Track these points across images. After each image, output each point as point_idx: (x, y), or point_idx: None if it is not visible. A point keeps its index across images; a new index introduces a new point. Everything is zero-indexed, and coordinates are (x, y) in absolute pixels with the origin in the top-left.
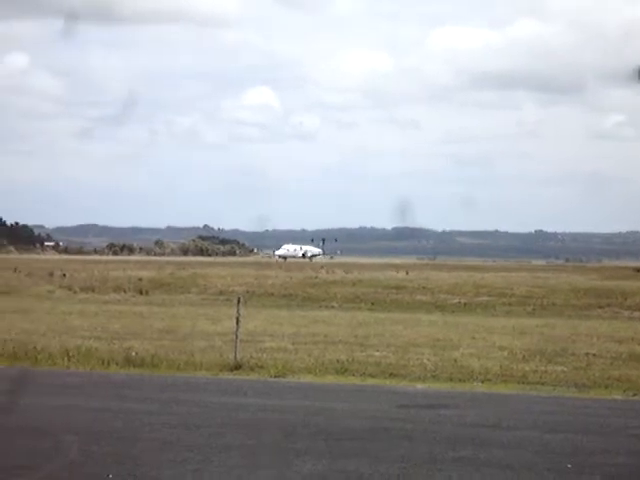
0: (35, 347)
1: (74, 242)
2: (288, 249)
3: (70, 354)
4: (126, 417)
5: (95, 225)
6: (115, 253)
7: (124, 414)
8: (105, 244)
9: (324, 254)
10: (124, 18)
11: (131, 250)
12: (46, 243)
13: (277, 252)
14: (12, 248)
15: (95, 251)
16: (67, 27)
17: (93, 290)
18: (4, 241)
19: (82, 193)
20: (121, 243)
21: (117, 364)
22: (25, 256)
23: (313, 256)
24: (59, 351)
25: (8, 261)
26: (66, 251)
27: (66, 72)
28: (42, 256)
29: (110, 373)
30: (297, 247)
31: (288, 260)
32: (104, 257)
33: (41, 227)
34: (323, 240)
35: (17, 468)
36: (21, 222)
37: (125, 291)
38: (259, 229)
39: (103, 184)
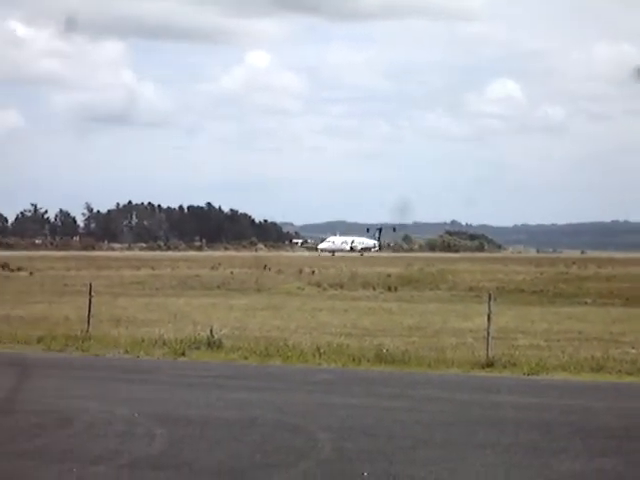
0: (286, 344)
1: (322, 239)
2: (334, 241)
3: (321, 351)
4: (379, 414)
5: (343, 222)
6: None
7: (377, 411)
8: None
9: (380, 247)
10: (366, 13)
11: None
12: (295, 240)
13: (321, 245)
14: (262, 245)
15: None
16: (309, 23)
17: (342, 287)
18: (254, 239)
19: (328, 190)
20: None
21: (368, 361)
22: (274, 253)
23: (363, 249)
24: (310, 348)
25: (258, 258)
26: (314, 248)
27: (309, 69)
28: (291, 253)
29: (361, 370)
30: (345, 239)
31: (336, 254)
32: (350, 254)
33: (290, 224)
34: (379, 230)
35: (272, 465)
36: (270, 220)
37: (374, 288)
38: (508, 224)
39: (348, 180)
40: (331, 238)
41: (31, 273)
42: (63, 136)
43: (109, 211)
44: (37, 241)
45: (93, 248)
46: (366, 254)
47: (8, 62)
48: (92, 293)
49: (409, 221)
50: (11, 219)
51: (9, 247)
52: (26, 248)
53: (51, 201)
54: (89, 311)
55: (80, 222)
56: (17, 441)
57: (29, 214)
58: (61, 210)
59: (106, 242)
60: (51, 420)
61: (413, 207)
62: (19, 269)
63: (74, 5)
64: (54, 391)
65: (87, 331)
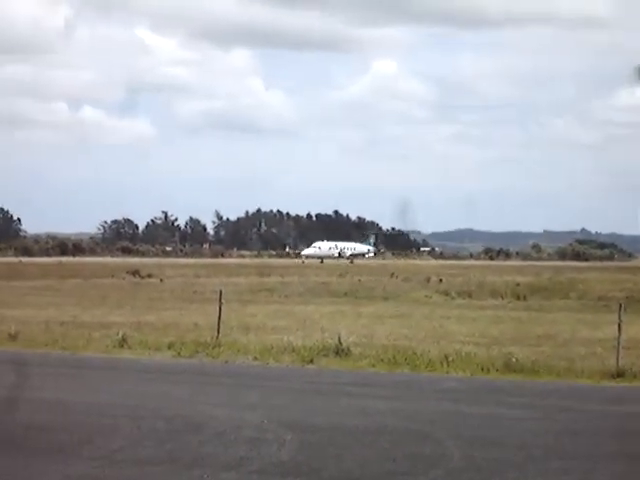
0: (414, 352)
1: (449, 247)
2: (320, 247)
3: (449, 359)
4: (508, 423)
5: (470, 230)
6: (491, 258)
7: (506, 420)
8: (481, 249)
9: (377, 252)
10: (493, 21)
11: (507, 255)
12: (422, 248)
13: (305, 251)
14: (389, 254)
15: (471, 256)
16: (435, 32)
17: (470, 295)
18: (381, 247)
19: (456, 198)
20: (497, 248)
21: (497, 370)
22: (402, 261)
23: (353, 255)
24: (438, 356)
25: (386, 266)
26: (442, 256)
27: (436, 77)
28: (418, 261)
29: (490, 379)
30: (332, 245)
31: (325, 261)
32: (479, 262)
33: (417, 233)
34: (376, 236)
35: (401, 473)
36: (397, 228)
37: (502, 296)
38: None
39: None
40: (317, 243)
41: (161, 280)
42: (191, 144)
43: (238, 219)
44: (167, 248)
45: (222, 255)
46: (359, 260)
47: (137, 70)
48: (222, 300)
49: (539, 229)
50: (142, 226)
51: (140, 254)
52: (156, 255)
53: (181, 209)
54: (219, 318)
55: (210, 230)
56: (147, 446)
57: (159, 222)
58: (191, 218)
59: (235, 249)
60: (181, 426)
61: (543, 215)
62: (149, 276)
63: (202, 15)
64: (184, 397)
65: (217, 338)
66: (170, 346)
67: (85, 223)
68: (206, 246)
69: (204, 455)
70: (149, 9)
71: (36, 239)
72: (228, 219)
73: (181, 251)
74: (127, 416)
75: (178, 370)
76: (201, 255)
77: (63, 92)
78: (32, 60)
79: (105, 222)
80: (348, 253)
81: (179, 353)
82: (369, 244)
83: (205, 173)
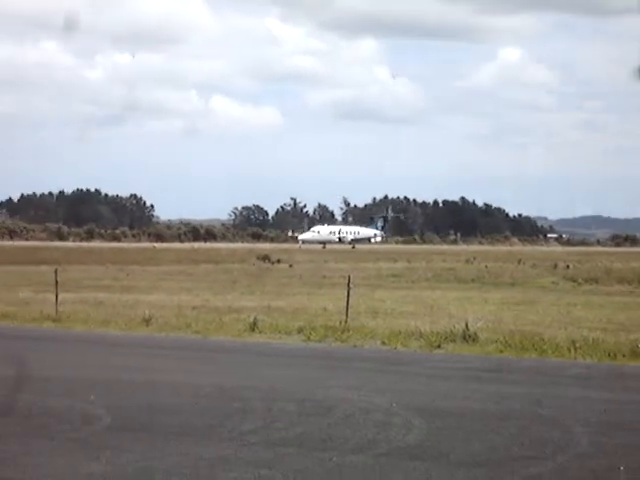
0: (542, 338)
1: (577, 234)
2: (319, 231)
3: (577, 345)
4: (637, 409)
5: (599, 216)
6: (618, 244)
7: (635, 406)
8: (608, 235)
9: (385, 236)
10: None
11: (635, 241)
12: (549, 235)
13: (302, 236)
14: (515, 239)
15: (598, 242)
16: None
17: (597, 282)
18: (507, 232)
19: (583, 184)
20: (624, 234)
21: (624, 356)
22: (528, 248)
23: (355, 240)
24: (565, 342)
25: (512, 253)
26: (569, 242)
27: (561, 64)
28: (545, 248)
29: (617, 365)
30: (332, 229)
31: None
32: (606, 249)
33: (544, 219)
34: (384, 219)
35: (528, 458)
36: (524, 214)
37: (629, 283)
38: None
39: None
40: (316, 227)
41: (290, 265)
42: (319, 132)
43: (366, 205)
44: (296, 234)
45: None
46: (361, 245)
47: (265, 60)
48: (350, 285)
49: None
50: (272, 213)
51: (270, 240)
52: (285, 241)
53: (310, 195)
54: (347, 302)
55: (338, 216)
56: (278, 429)
57: (289, 208)
58: (319, 204)
59: None
60: (311, 409)
61: None
62: (279, 261)
63: (329, 5)
64: (314, 380)
65: (345, 322)
66: (300, 330)
67: (217, 210)
68: None
69: (333, 437)
70: (278, 0)
71: (168, 225)
72: (355, 205)
73: None
74: (258, 399)
75: (308, 354)
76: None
77: (195, 81)
78: (165, 50)
79: (236, 209)
80: (349, 238)
81: (309, 337)
82: (376, 227)
83: (332, 160)
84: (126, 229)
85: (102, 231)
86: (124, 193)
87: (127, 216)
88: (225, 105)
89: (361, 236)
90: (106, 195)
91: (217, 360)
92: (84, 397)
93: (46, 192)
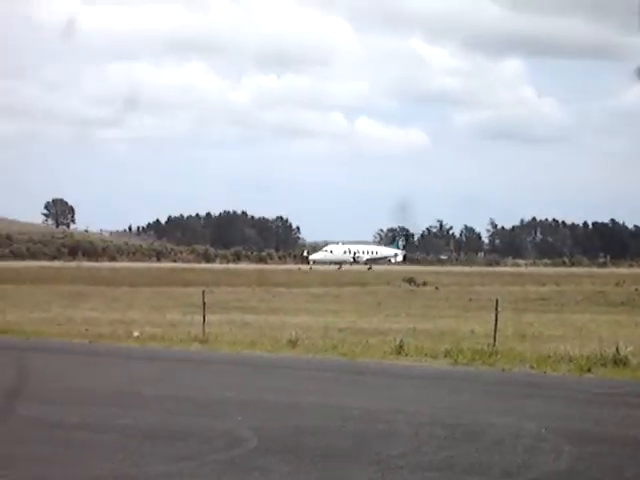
0: None
1: None
2: (332, 250)
3: None
4: None
5: None
6: None
7: None
8: None
9: (404, 257)
10: None
11: None
12: None
13: (313, 256)
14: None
15: None
16: None
17: None
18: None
19: None
20: None
21: None
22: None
23: (371, 260)
24: None
25: None
26: None
27: None
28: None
29: None
30: (347, 248)
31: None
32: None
33: None
34: (405, 237)
35: None
36: None
37: None
38: None
39: None
40: (329, 247)
41: (436, 288)
42: (464, 152)
43: (513, 227)
44: (442, 256)
45: (497, 264)
46: (380, 266)
47: (410, 80)
48: (497, 308)
49: None
50: (417, 235)
51: (416, 262)
52: (431, 263)
53: (457, 217)
54: (495, 326)
55: (485, 238)
56: (424, 452)
57: (434, 230)
58: (466, 226)
59: (510, 258)
60: (459, 433)
61: None
62: (424, 284)
63: (473, 25)
64: (461, 404)
65: (493, 345)
66: (446, 353)
67: (362, 231)
68: (481, 254)
69: (482, 462)
70: (422, 20)
71: (314, 247)
72: (503, 227)
73: (456, 259)
74: (405, 422)
75: (455, 377)
76: (476, 263)
77: (339, 103)
78: (309, 71)
79: (381, 230)
80: (364, 258)
81: (456, 360)
82: (397, 247)
83: (479, 181)
84: (272, 251)
85: (248, 253)
86: (270, 215)
87: (273, 238)
88: (369, 126)
89: (379, 256)
90: (252, 217)
91: (363, 382)
92: (230, 418)
93: (193, 214)
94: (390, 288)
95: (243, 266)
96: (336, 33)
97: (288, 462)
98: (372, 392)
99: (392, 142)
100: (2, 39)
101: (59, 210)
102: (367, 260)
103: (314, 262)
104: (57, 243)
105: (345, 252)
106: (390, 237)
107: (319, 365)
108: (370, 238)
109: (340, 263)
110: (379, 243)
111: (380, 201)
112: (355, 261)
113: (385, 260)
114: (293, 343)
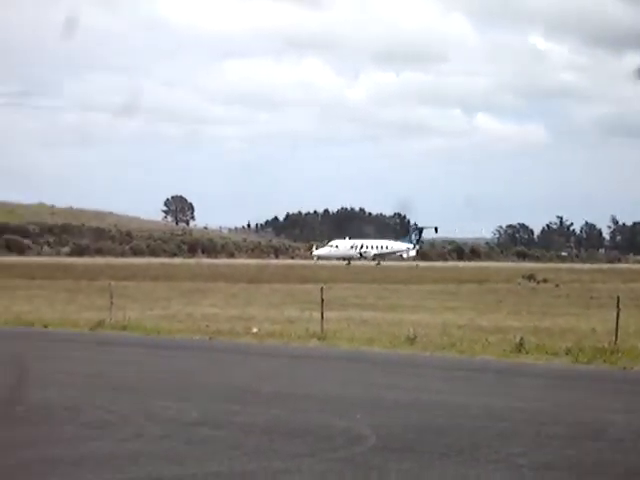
0: None
1: None
2: (337, 245)
3: None
4: None
5: None
6: None
7: None
8: None
9: (418, 250)
10: None
11: None
12: None
13: (318, 251)
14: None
15: None
16: None
17: None
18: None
19: None
20: None
21: None
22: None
23: (379, 255)
24: None
25: None
26: None
27: None
28: None
29: None
30: (354, 243)
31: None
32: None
33: None
34: (419, 230)
35: None
36: None
37: None
38: None
39: None
40: (334, 242)
41: (557, 285)
42: (585, 149)
43: (634, 224)
44: (562, 253)
45: (619, 261)
46: (390, 263)
47: (530, 76)
48: (619, 306)
49: None
50: (537, 231)
51: (535, 259)
52: (551, 260)
53: (577, 214)
54: (617, 323)
55: (606, 235)
56: (545, 452)
57: (555, 227)
58: (587, 222)
59: (631, 255)
60: (580, 432)
61: None
62: (545, 281)
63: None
64: (582, 403)
65: (615, 343)
66: (567, 351)
67: (481, 228)
68: (602, 251)
69: (604, 462)
70: (541, 16)
71: (432, 243)
72: (624, 224)
73: (577, 256)
74: (526, 420)
75: (576, 376)
76: (596, 260)
77: (458, 99)
78: (428, 68)
79: (500, 227)
80: (372, 253)
81: (576, 359)
82: (410, 241)
83: (600, 177)
84: None
85: None
86: (388, 212)
87: (391, 234)
88: (488, 122)
89: (388, 251)
90: (370, 214)
91: (483, 380)
92: (349, 415)
93: (311, 211)
94: (509, 285)
95: (359, 263)
96: (454, 29)
97: (407, 460)
98: (491, 390)
99: (511, 138)
100: (122, 37)
101: (178, 207)
102: (375, 255)
103: (318, 258)
104: (176, 240)
105: (352, 247)
106: (510, 234)
107: (437, 362)
108: (489, 235)
109: (346, 258)
110: (498, 239)
111: (499, 197)
112: (362, 256)
113: (396, 255)
114: (411, 340)
